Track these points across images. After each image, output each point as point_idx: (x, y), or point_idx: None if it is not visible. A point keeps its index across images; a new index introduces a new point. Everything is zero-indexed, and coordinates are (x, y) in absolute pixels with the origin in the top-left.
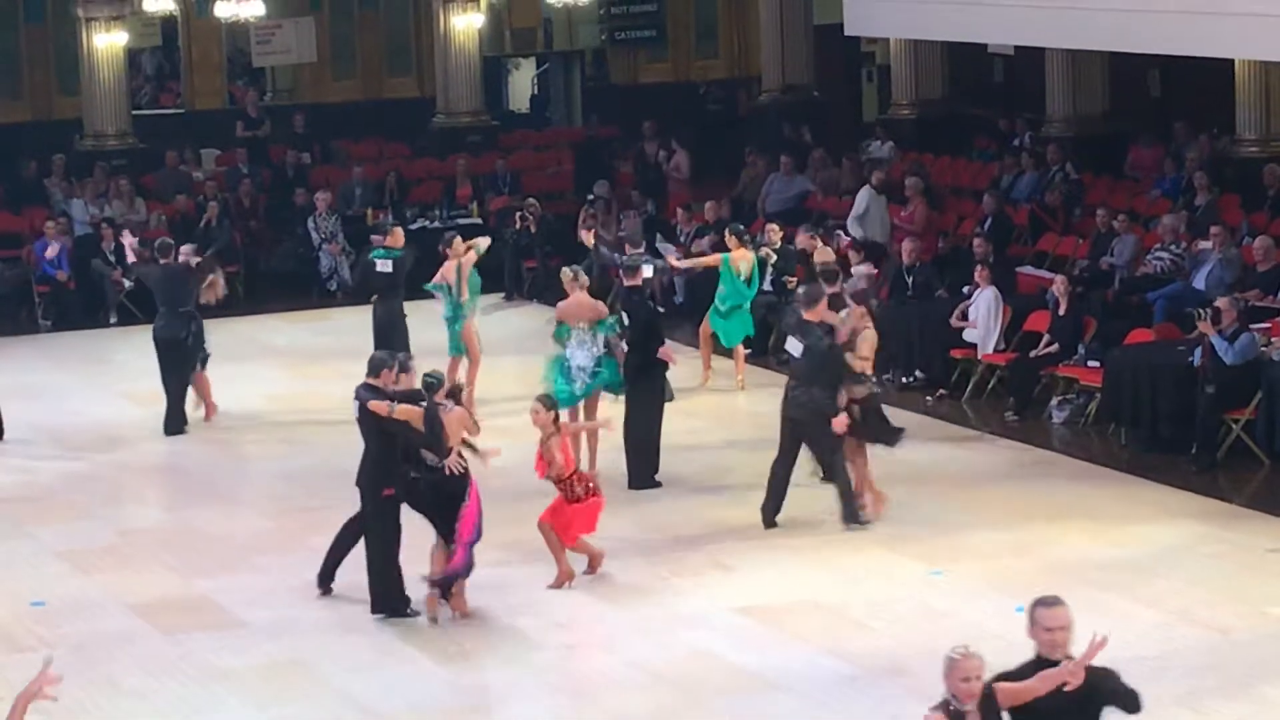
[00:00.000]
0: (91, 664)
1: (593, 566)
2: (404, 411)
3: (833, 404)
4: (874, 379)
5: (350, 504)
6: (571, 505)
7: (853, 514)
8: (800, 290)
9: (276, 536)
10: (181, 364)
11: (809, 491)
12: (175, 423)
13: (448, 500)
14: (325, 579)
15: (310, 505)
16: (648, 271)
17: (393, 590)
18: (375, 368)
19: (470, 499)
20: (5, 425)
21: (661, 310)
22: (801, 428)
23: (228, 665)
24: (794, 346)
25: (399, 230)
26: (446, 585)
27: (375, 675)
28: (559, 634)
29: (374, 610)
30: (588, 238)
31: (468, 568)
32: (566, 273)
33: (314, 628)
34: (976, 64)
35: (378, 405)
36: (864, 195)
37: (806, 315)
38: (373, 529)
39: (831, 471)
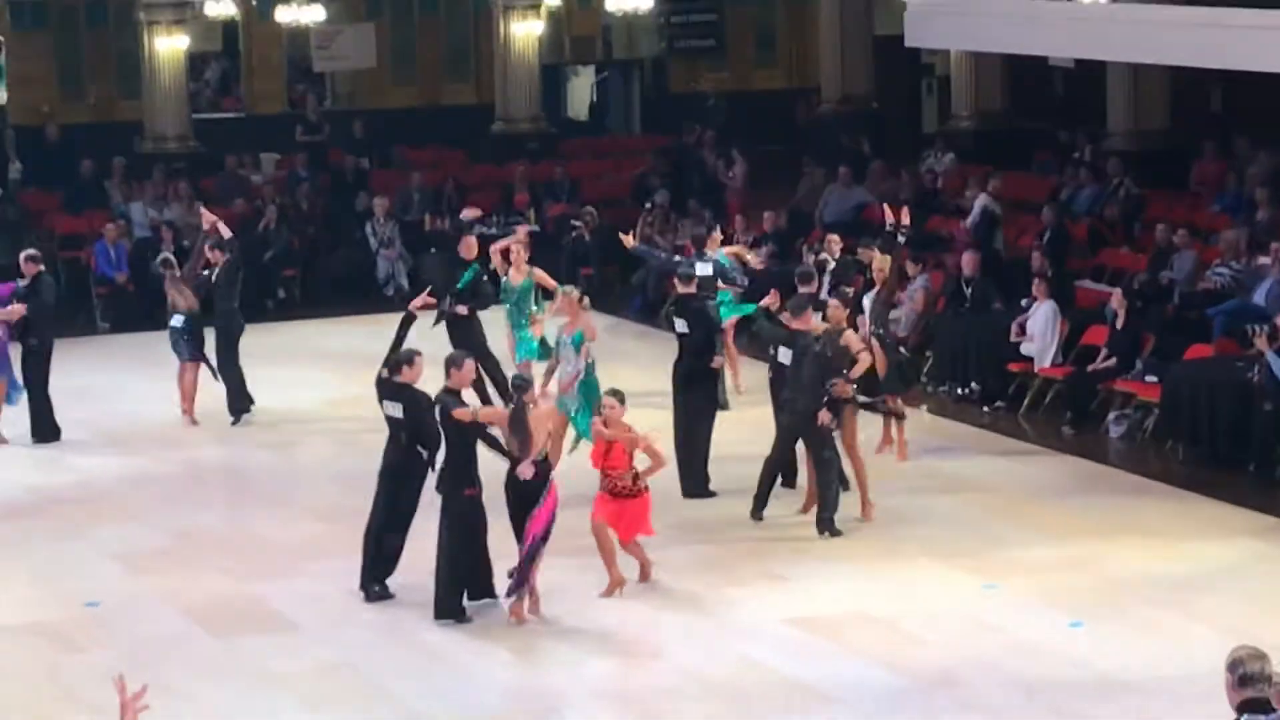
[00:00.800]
0: (144, 665)
1: (644, 574)
2: (488, 415)
3: (820, 403)
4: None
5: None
6: (620, 500)
7: (830, 522)
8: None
9: (329, 540)
10: (237, 352)
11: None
12: (243, 402)
13: (525, 500)
14: (376, 581)
15: (364, 509)
16: (705, 269)
17: (456, 596)
18: (447, 366)
19: (545, 501)
20: (63, 426)
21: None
22: (797, 430)
23: (279, 669)
24: (785, 355)
25: (472, 240)
26: (522, 579)
27: (426, 681)
28: (610, 642)
29: (437, 616)
30: (627, 241)
31: (529, 562)
32: (573, 291)
33: (365, 632)
34: (1037, 76)
35: (461, 413)
36: (981, 202)
37: (795, 325)
38: (452, 531)
39: (821, 470)
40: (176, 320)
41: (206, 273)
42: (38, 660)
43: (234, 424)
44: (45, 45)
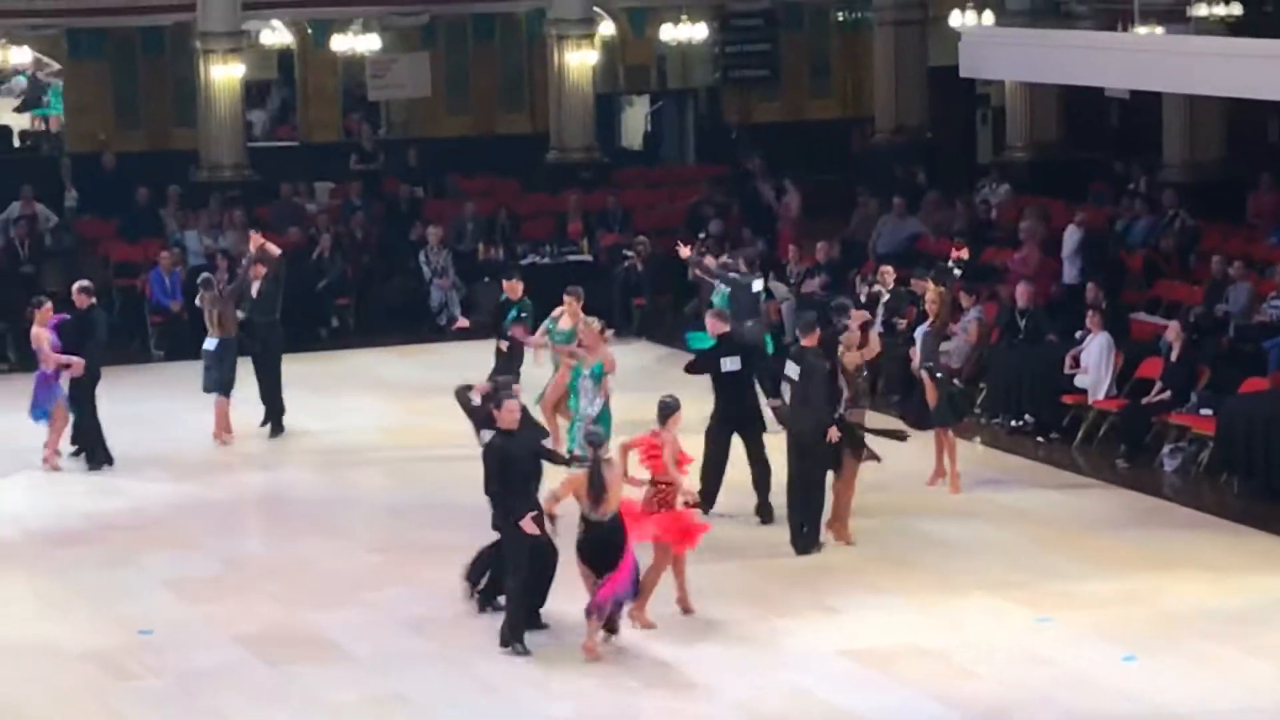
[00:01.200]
0: (196, 694)
1: (685, 603)
2: (567, 486)
3: (830, 418)
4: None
5: (459, 537)
6: (673, 511)
7: (811, 542)
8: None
9: (383, 570)
10: (279, 366)
11: (914, 532)
12: (279, 416)
13: (610, 551)
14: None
15: (417, 539)
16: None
17: (513, 626)
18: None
19: (628, 552)
20: (116, 453)
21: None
22: (803, 449)
23: (332, 698)
24: (793, 370)
25: (516, 282)
26: (603, 613)
27: (478, 712)
28: (663, 674)
29: (501, 644)
30: (684, 251)
31: (617, 603)
32: (595, 323)
33: (418, 662)
34: (1092, 107)
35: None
36: (1073, 234)
37: (804, 342)
38: (507, 560)
39: (808, 490)
40: (210, 343)
41: (237, 283)
42: (91, 687)
43: (271, 437)
44: (102, 73)
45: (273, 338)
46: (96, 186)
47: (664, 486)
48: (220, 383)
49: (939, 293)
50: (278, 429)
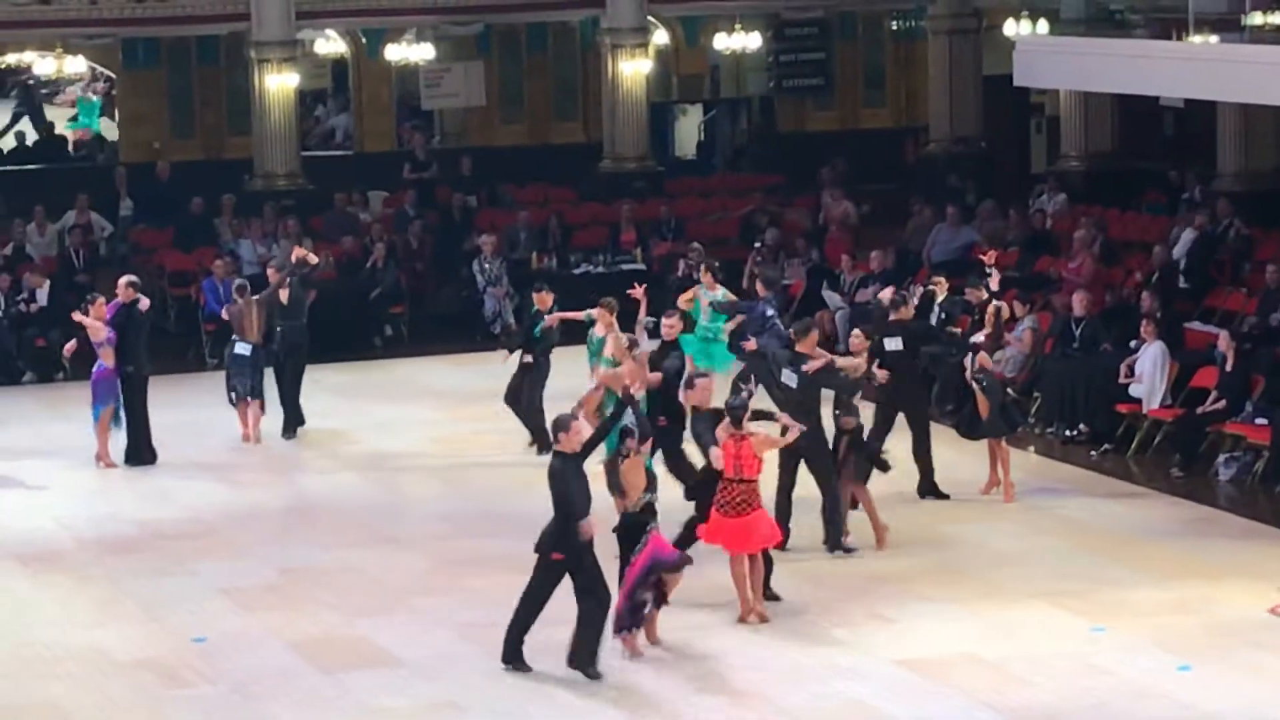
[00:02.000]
0: (251, 701)
1: (747, 614)
2: (626, 471)
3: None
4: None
5: (509, 545)
6: (742, 516)
7: (837, 540)
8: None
9: (435, 577)
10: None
11: (967, 542)
12: (297, 419)
13: (633, 541)
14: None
15: (469, 547)
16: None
17: (515, 643)
18: (554, 430)
19: (645, 548)
20: (170, 460)
21: None
22: (802, 451)
23: (385, 705)
24: (789, 378)
25: (546, 295)
26: (633, 624)
27: (529, 717)
28: (716, 682)
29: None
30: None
31: (631, 617)
32: (622, 339)
33: (469, 669)
34: (1147, 116)
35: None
36: (1187, 238)
37: (800, 347)
38: (532, 587)
39: (825, 491)
40: (243, 349)
41: (270, 290)
42: (144, 694)
43: (285, 438)
44: (157, 83)
45: (300, 341)
46: (151, 195)
47: (736, 485)
48: (255, 389)
49: (998, 306)
50: (291, 431)
